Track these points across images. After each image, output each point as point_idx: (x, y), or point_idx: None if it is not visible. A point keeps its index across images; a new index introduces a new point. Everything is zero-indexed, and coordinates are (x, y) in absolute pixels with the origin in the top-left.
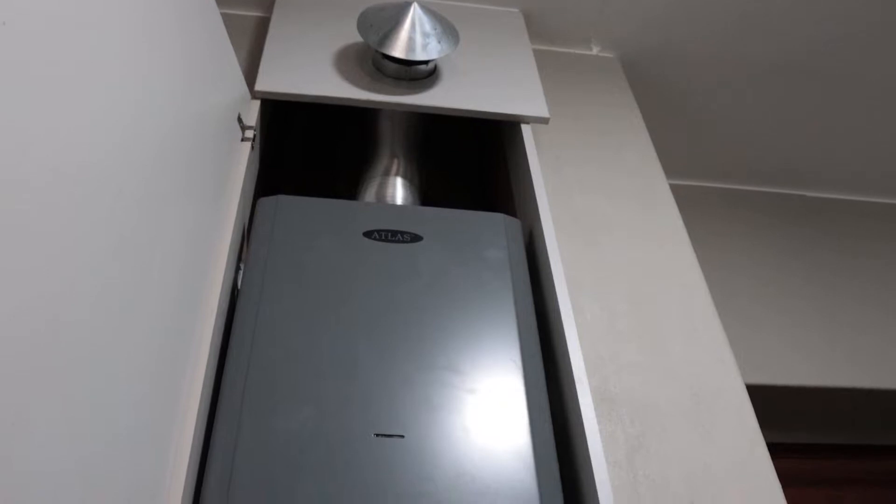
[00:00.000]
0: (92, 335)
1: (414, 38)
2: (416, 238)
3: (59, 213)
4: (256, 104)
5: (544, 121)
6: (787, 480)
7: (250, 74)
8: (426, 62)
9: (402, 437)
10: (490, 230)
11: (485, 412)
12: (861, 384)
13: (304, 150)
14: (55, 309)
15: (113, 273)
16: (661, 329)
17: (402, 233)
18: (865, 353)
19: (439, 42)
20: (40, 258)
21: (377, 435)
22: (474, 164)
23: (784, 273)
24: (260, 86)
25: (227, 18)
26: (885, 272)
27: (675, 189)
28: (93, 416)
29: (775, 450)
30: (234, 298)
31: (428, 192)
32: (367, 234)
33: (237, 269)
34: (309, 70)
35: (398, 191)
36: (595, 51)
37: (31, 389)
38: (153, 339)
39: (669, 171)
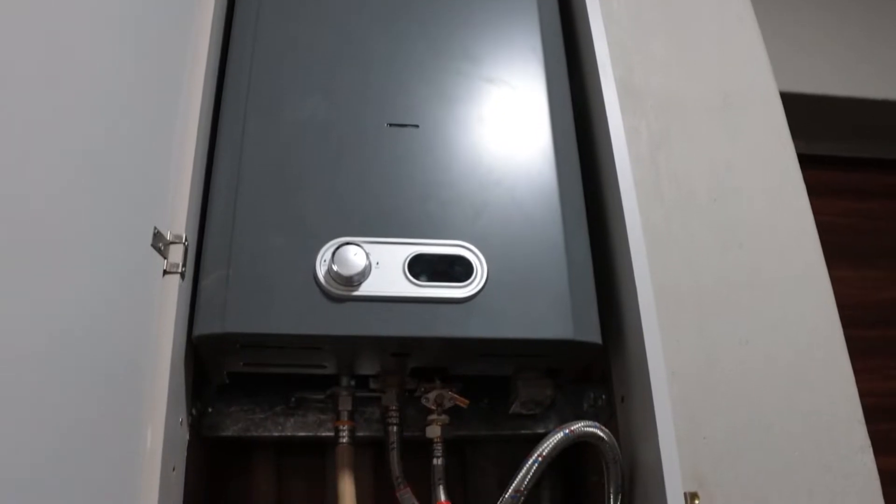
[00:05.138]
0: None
1: None
2: None
3: None
4: None
5: None
6: (812, 189)
7: None
8: None
9: (417, 126)
10: None
11: (502, 102)
12: (892, 96)
13: None
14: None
15: None
16: (694, 24)
17: None
18: None
19: None
20: None
21: (390, 125)
22: None
23: None
24: None
25: None
26: None
27: None
28: (90, 120)
29: (801, 160)
30: None
31: None
32: None
33: None
34: None
35: None
36: None
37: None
38: (149, 23)
39: None
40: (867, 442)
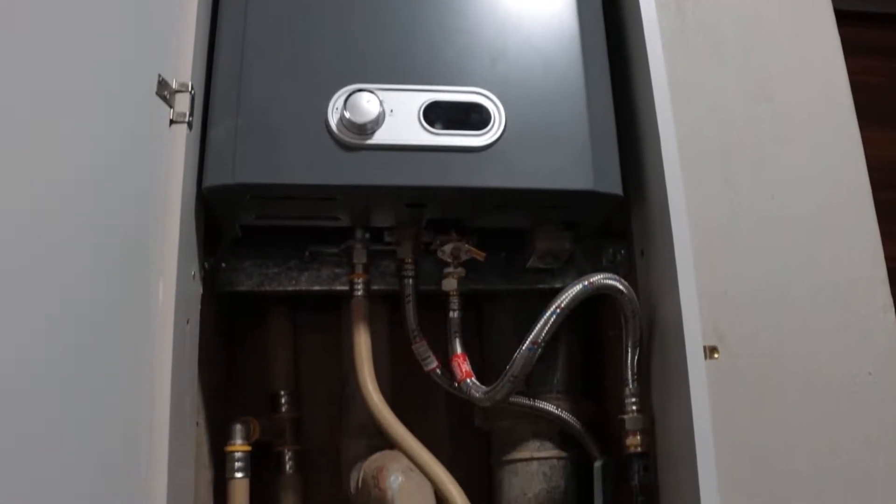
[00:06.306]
0: None
1: None
2: None
3: None
4: None
5: None
6: (847, 49)
7: None
8: None
9: None
10: None
11: None
12: None
13: None
14: None
15: None
16: None
17: None
18: None
19: None
20: None
21: None
22: None
23: None
24: None
25: None
26: None
27: None
28: None
29: (837, 16)
30: None
31: None
32: None
33: None
34: None
35: None
36: None
37: None
38: None
39: None
40: (889, 301)
